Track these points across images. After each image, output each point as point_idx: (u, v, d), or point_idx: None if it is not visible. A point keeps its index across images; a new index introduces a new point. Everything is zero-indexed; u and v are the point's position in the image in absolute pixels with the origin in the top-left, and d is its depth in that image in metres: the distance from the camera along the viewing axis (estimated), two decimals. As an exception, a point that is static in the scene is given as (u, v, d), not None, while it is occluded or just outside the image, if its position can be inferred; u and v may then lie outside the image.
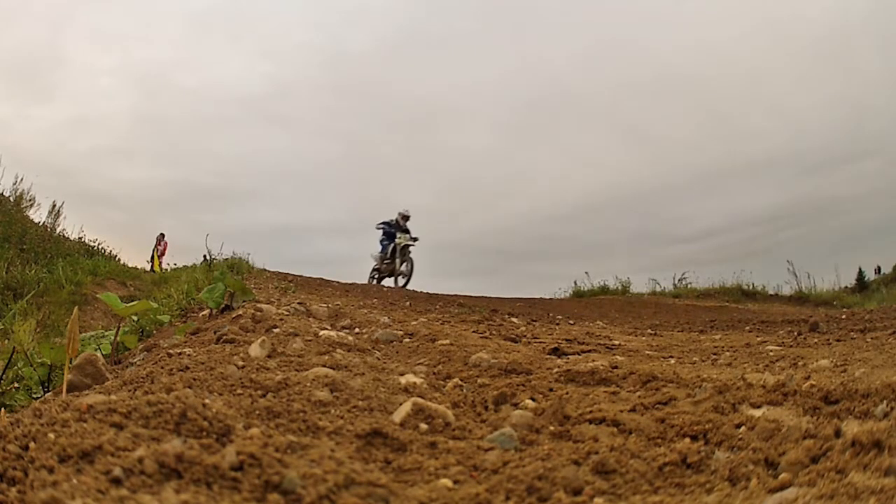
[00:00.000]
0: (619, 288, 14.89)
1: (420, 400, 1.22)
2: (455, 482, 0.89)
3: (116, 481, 0.73)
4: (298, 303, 3.94)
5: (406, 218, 13.59)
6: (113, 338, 2.77)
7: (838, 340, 2.96)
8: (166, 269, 14.57)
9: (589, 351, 2.65)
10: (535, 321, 5.13)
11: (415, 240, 13.37)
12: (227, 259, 9.91)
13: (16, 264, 9.35)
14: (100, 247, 14.15)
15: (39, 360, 2.35)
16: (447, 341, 2.43)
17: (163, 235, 17.79)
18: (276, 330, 2.32)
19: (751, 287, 14.37)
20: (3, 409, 1.45)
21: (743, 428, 1.12)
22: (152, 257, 17.20)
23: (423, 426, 1.13)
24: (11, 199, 12.74)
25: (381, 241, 13.78)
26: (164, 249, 17.45)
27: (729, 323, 5.21)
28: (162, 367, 1.66)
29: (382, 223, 13.78)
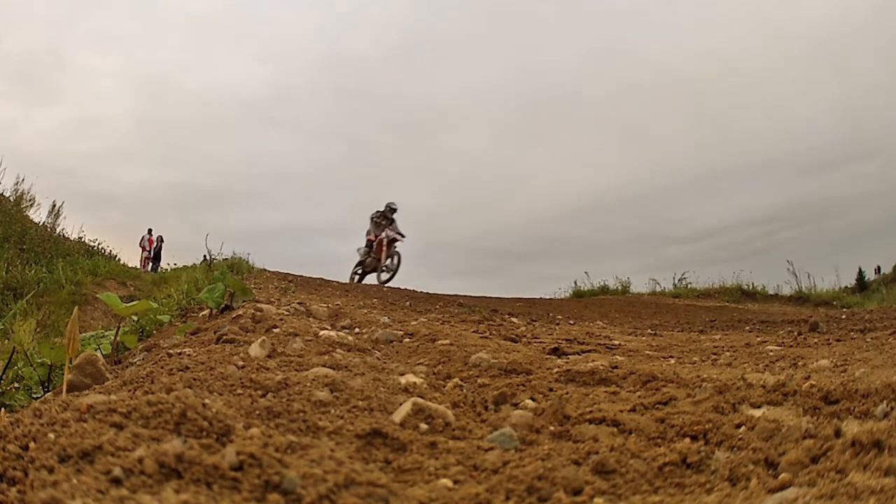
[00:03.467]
0: (619, 288, 14.88)
1: (420, 400, 1.22)
2: (455, 482, 0.89)
3: (116, 481, 0.73)
4: (298, 303, 3.94)
5: (393, 210, 12.91)
6: (113, 338, 2.77)
7: (838, 340, 2.96)
8: (163, 269, 14.53)
9: (589, 351, 2.65)
10: (535, 321, 5.12)
11: (401, 235, 12.65)
12: (227, 259, 9.92)
13: (16, 264, 9.35)
14: (99, 247, 14.17)
15: (39, 360, 2.35)
16: (447, 341, 2.43)
17: (150, 231, 17.75)
18: (276, 330, 2.32)
19: (751, 287, 14.36)
20: (3, 409, 1.45)
21: (743, 428, 1.12)
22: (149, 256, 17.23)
23: (423, 426, 1.13)
24: (12, 199, 12.75)
25: (367, 234, 13.10)
26: (144, 244, 17.41)
27: (729, 323, 5.21)
28: (162, 367, 1.66)
29: (373, 213, 13.10)
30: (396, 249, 12.47)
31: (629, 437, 1.13)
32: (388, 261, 12.33)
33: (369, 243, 12.82)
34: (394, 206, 12.84)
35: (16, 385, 2.33)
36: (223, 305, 3.56)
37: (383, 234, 12.65)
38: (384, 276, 12.30)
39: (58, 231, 13.31)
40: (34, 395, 2.24)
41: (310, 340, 2.09)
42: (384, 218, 12.86)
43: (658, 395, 1.45)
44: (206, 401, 1.01)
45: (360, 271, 13.26)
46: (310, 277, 10.39)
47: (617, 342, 3.09)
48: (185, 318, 4.46)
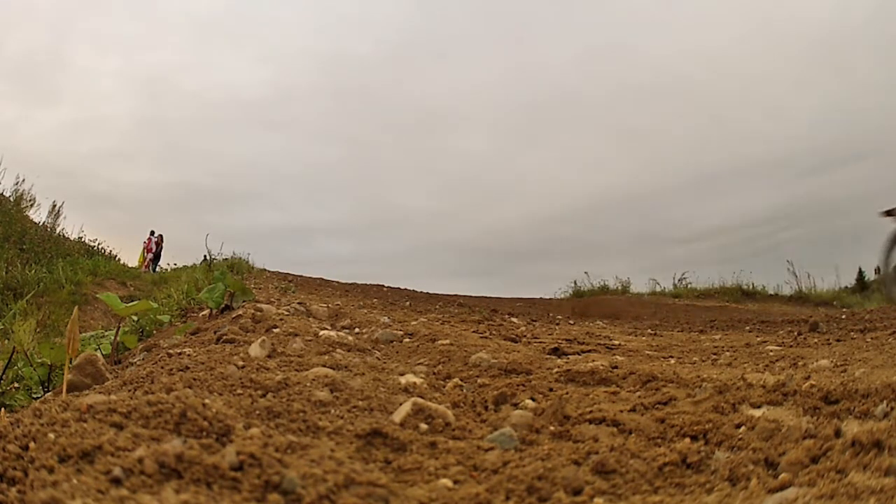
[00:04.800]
0: (619, 288, 14.89)
1: (420, 400, 1.22)
2: (455, 482, 0.89)
3: (116, 481, 0.73)
4: (298, 303, 3.94)
5: None
6: (113, 338, 2.77)
7: (838, 340, 2.96)
8: (162, 269, 14.55)
9: (589, 351, 2.65)
10: (535, 321, 5.12)
11: None
12: (227, 259, 9.95)
13: (16, 264, 9.36)
14: (99, 247, 14.20)
15: (39, 360, 2.35)
16: (447, 341, 2.43)
17: (152, 232, 17.74)
18: (276, 330, 2.32)
19: (751, 287, 14.37)
20: (3, 409, 1.45)
21: (743, 428, 1.12)
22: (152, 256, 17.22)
23: (423, 426, 1.13)
24: (12, 199, 12.77)
25: None
26: (151, 246, 17.39)
27: (729, 323, 5.20)
28: (162, 367, 1.66)
29: None
30: None
31: (629, 437, 1.13)
32: None
33: None
34: None
35: (16, 385, 2.33)
36: (223, 305, 3.56)
37: None
38: None
39: (58, 231, 13.33)
40: (34, 395, 2.24)
41: (310, 340, 2.09)
42: None
43: (658, 395, 1.45)
44: (206, 401, 1.01)
45: None
46: (310, 277, 10.41)
47: (617, 342, 3.09)
48: (185, 318, 4.46)
